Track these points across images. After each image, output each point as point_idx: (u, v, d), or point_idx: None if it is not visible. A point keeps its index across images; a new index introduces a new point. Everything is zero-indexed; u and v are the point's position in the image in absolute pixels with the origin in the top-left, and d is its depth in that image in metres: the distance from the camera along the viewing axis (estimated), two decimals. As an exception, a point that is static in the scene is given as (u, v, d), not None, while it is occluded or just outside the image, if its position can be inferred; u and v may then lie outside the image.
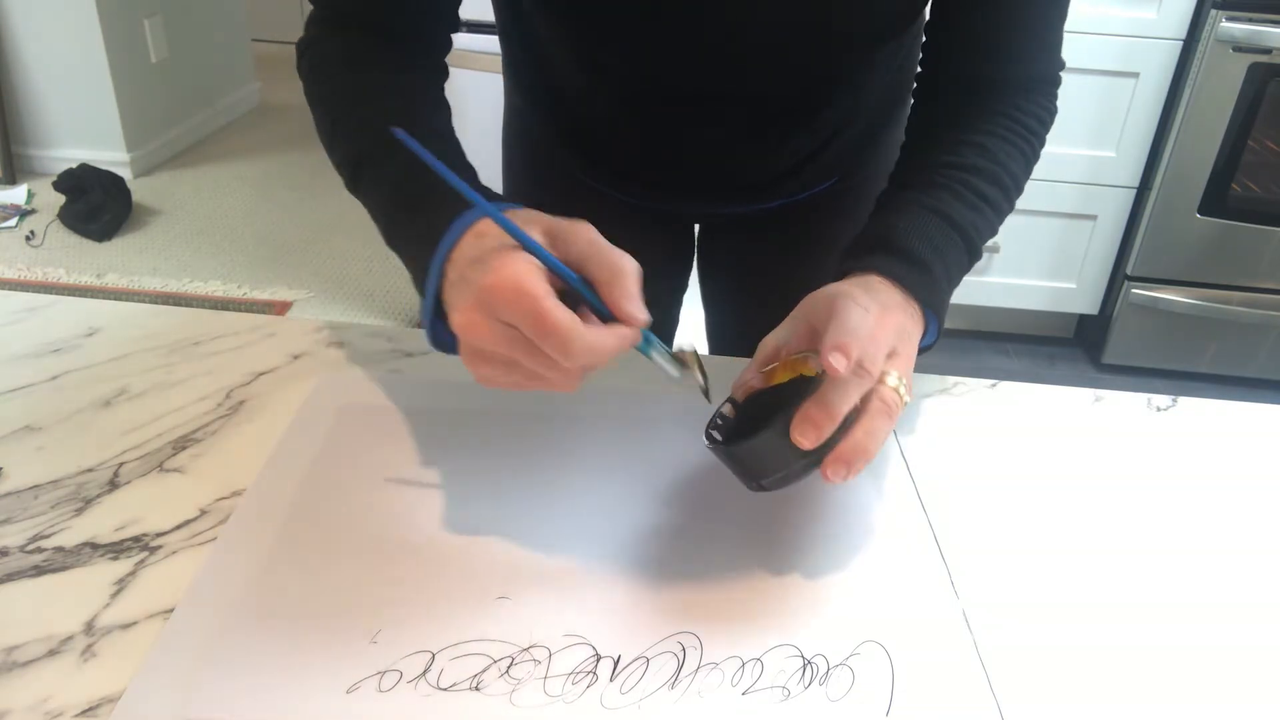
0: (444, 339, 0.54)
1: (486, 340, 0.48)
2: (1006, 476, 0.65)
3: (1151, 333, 2.34)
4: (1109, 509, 0.63)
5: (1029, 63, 0.70)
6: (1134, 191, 2.24)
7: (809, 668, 0.49)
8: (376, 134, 0.60)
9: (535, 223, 0.51)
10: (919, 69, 0.74)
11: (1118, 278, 2.33)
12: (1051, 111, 0.71)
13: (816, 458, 0.51)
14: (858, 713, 0.47)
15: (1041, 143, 0.70)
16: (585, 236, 0.50)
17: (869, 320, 0.51)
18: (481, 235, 0.51)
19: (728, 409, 0.57)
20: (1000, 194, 0.66)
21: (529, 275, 0.47)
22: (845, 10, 0.65)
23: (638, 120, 0.79)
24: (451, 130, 0.64)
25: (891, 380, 0.52)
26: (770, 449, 0.51)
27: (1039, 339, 2.55)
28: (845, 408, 0.49)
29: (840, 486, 0.62)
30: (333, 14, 0.68)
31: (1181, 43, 2.08)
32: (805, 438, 0.49)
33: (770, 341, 0.58)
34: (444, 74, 0.71)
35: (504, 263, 0.47)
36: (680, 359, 0.53)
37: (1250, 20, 1.99)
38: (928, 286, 0.59)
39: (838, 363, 0.48)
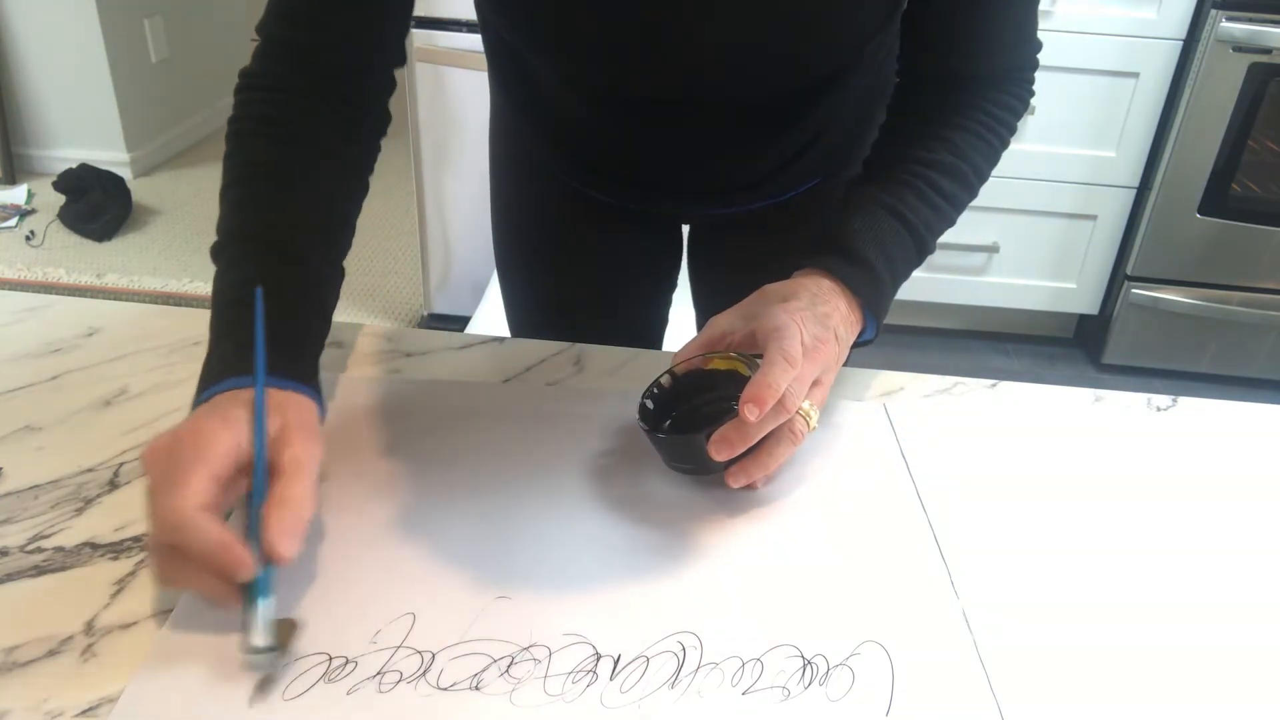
0: None
1: (150, 468, 0.49)
2: (1006, 476, 0.65)
3: (1151, 333, 2.34)
4: (1109, 509, 0.63)
5: (1003, 54, 0.71)
6: (1134, 191, 2.24)
7: (809, 668, 0.49)
8: (243, 226, 0.61)
9: (287, 412, 0.53)
10: (900, 54, 0.74)
11: (1118, 278, 2.33)
12: (1024, 98, 0.73)
13: (724, 465, 0.58)
14: (858, 713, 0.47)
15: (1012, 131, 0.72)
16: (300, 450, 0.51)
17: (791, 374, 0.56)
18: (237, 395, 0.53)
19: (666, 380, 0.64)
20: (962, 189, 0.70)
21: (219, 443, 0.49)
22: (813, 24, 0.65)
23: (616, 125, 0.79)
24: (325, 247, 0.63)
25: (805, 406, 0.58)
26: (689, 450, 0.59)
27: (1039, 339, 2.55)
28: (759, 436, 0.56)
29: (840, 486, 0.63)
30: (276, 49, 0.66)
31: (1181, 43, 2.08)
32: (719, 454, 0.56)
33: (719, 324, 0.64)
34: (383, 123, 0.70)
35: (213, 421, 0.50)
36: (277, 631, 0.47)
37: (1250, 20, 1.99)
38: (873, 290, 0.65)
39: (750, 414, 0.54)
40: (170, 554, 0.47)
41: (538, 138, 0.88)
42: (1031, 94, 0.73)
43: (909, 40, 0.71)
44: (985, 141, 0.70)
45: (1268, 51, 2.00)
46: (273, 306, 0.57)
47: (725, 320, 0.64)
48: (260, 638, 0.46)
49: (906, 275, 0.69)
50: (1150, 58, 2.09)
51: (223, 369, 0.54)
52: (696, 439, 0.57)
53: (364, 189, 0.68)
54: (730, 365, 0.62)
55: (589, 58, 0.70)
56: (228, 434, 0.50)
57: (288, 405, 0.53)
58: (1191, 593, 0.57)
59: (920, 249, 0.68)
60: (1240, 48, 2.01)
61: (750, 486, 0.60)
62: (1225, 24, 1.99)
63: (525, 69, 0.80)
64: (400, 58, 0.70)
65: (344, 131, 0.66)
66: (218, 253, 0.61)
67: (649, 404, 0.63)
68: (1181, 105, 2.09)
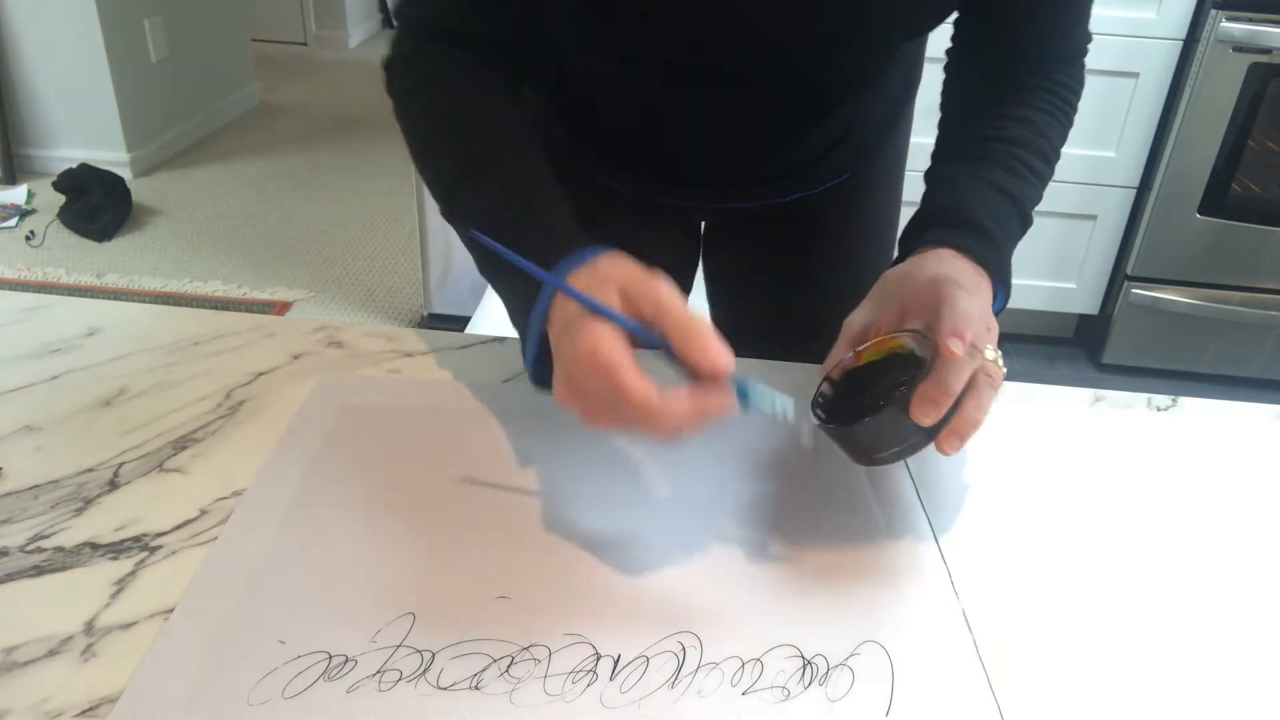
0: (547, 382, 0.56)
1: (580, 411, 0.51)
2: (1007, 476, 0.65)
3: (1151, 333, 2.34)
4: (1109, 509, 0.63)
5: (1064, 37, 0.73)
6: (1134, 191, 2.24)
7: (809, 668, 0.49)
8: (470, 163, 0.62)
9: (612, 280, 0.52)
10: (951, 45, 0.76)
11: (1118, 278, 2.33)
12: (1081, 82, 0.74)
13: (931, 432, 0.54)
14: (858, 713, 0.47)
15: (1074, 112, 0.73)
16: (655, 295, 0.52)
17: (976, 304, 0.55)
18: (563, 312, 0.53)
19: (826, 388, 0.60)
20: (1045, 165, 0.70)
21: (606, 345, 0.49)
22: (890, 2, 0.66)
23: (659, 110, 0.79)
24: (541, 158, 0.64)
25: (990, 354, 0.55)
26: (889, 427, 0.54)
27: (1039, 339, 2.55)
28: (960, 386, 0.53)
29: (841, 487, 0.62)
30: (420, 29, 0.68)
31: (1181, 43, 2.08)
32: (926, 416, 0.53)
33: (856, 321, 0.62)
34: (523, 78, 0.71)
35: (584, 334, 0.50)
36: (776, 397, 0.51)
37: (1250, 20, 1.99)
38: (995, 257, 0.63)
39: (957, 348, 0.52)
40: (663, 434, 0.49)
41: (560, 126, 0.87)
42: (1084, 80, 0.75)
43: (970, 20, 0.72)
44: (1058, 121, 0.71)
45: (1268, 51, 2.00)
46: (550, 198, 0.59)
47: (861, 314, 0.62)
48: (778, 407, 0.51)
49: (1015, 246, 0.68)
50: (1150, 58, 2.09)
51: (544, 256, 0.54)
52: (892, 414, 0.54)
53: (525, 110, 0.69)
54: (882, 351, 0.59)
55: (670, 37, 0.69)
56: (607, 330, 0.50)
57: (611, 270, 0.53)
58: (1191, 593, 0.56)
59: (1023, 219, 0.68)
60: (1240, 48, 2.01)
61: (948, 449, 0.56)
62: (1225, 24, 1.99)
63: (560, 51, 0.79)
64: (535, 24, 0.70)
65: (498, 81, 0.67)
66: (450, 209, 0.63)
67: (819, 413, 0.59)
68: (1181, 105, 2.09)
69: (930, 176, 0.71)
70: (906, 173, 0.94)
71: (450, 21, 0.67)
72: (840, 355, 0.61)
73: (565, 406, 0.52)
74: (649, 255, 1.00)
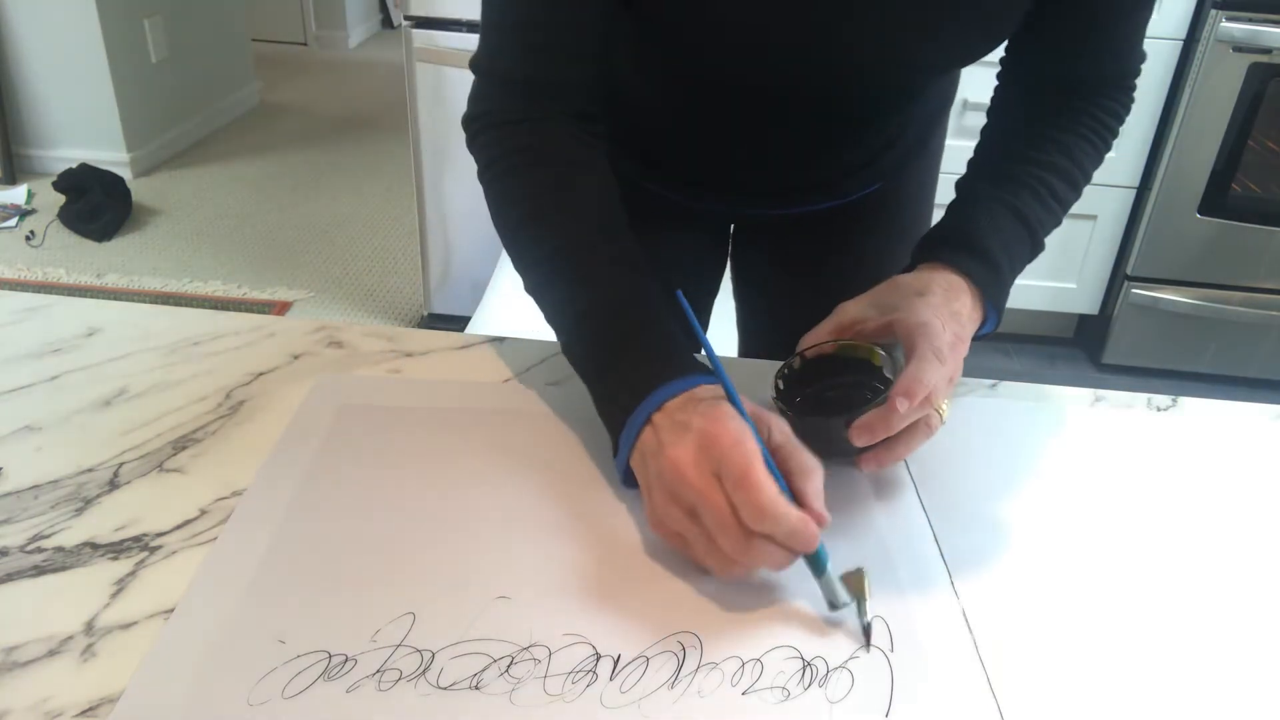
0: (632, 475, 0.58)
1: (689, 481, 0.51)
2: (1007, 476, 0.65)
3: (1151, 333, 2.34)
4: (1109, 509, 0.63)
5: (1116, 60, 0.73)
6: (1134, 191, 2.24)
7: (809, 669, 0.49)
8: (577, 250, 0.63)
9: (746, 403, 0.55)
10: (1004, 59, 0.77)
11: (1118, 278, 2.33)
12: (1128, 105, 0.76)
13: (859, 451, 0.60)
14: (858, 713, 0.47)
15: (1115, 136, 0.75)
16: (781, 429, 0.55)
17: (943, 371, 0.58)
18: (696, 398, 0.55)
19: (796, 362, 0.65)
20: (1072, 192, 0.72)
21: (749, 435, 0.52)
22: (962, 26, 0.66)
23: (703, 124, 0.79)
24: (637, 243, 0.64)
25: (941, 406, 0.60)
26: (829, 433, 0.60)
27: (1039, 339, 2.55)
28: (898, 429, 0.58)
29: (842, 487, 0.62)
30: (498, 82, 0.67)
31: (1181, 43, 2.08)
32: (859, 440, 0.58)
33: (850, 311, 0.66)
34: (603, 123, 0.71)
35: (729, 417, 0.52)
36: (849, 586, 0.52)
37: (1250, 20, 1.99)
38: (997, 287, 0.68)
39: (901, 406, 0.56)
40: (748, 538, 0.50)
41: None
42: (1133, 99, 0.76)
43: (1029, 39, 0.72)
44: (1094, 146, 0.73)
45: (1268, 51, 2.00)
46: (652, 314, 0.60)
47: (856, 308, 0.66)
48: (843, 595, 0.52)
49: (1020, 271, 0.71)
50: (1150, 58, 2.09)
51: (665, 373, 0.57)
52: (837, 423, 0.59)
53: (615, 181, 0.69)
54: (858, 353, 0.64)
55: (737, 62, 0.68)
56: (742, 427, 0.52)
57: (741, 395, 0.56)
58: (1191, 593, 0.56)
59: (1034, 248, 0.71)
60: (1240, 48, 2.01)
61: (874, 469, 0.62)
62: (1225, 24, 1.99)
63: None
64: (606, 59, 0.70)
65: (589, 142, 0.67)
66: (545, 286, 0.63)
67: (780, 384, 0.64)
68: (1181, 105, 2.09)
69: (960, 187, 0.73)
70: (940, 175, 0.95)
71: (529, 71, 0.66)
72: (823, 337, 0.65)
73: (671, 476, 0.52)
74: (680, 255, 1.01)
